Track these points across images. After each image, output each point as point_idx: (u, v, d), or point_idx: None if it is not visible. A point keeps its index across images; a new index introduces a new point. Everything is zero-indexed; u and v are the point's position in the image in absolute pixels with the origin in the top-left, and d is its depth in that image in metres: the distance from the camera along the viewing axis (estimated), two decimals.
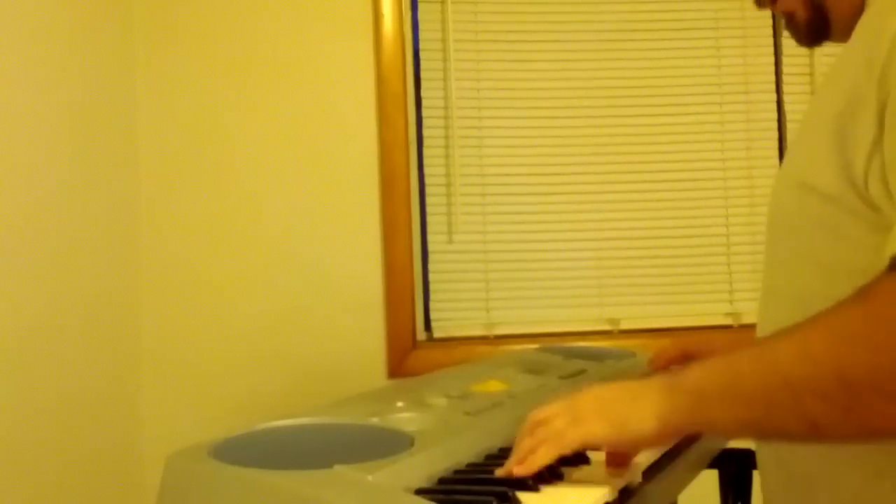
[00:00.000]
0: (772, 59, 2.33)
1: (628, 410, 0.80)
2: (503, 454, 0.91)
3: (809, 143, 0.86)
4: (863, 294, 0.70)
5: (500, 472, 0.81)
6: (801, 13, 0.95)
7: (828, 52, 2.26)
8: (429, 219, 2.26)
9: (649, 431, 0.79)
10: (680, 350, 1.25)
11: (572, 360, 1.43)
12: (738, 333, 2.24)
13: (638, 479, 0.87)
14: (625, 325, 2.27)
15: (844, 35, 0.93)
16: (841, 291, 0.75)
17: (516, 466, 0.80)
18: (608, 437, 0.80)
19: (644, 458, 0.90)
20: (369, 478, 0.74)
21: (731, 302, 2.29)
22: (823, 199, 0.81)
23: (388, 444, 0.84)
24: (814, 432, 0.72)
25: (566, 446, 0.80)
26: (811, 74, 2.30)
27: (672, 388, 0.79)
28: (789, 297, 0.88)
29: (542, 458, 0.80)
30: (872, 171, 0.76)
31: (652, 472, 0.92)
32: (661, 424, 0.78)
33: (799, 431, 0.73)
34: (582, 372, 1.33)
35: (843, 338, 0.69)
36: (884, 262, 0.70)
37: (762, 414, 0.73)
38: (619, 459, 0.86)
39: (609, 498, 0.80)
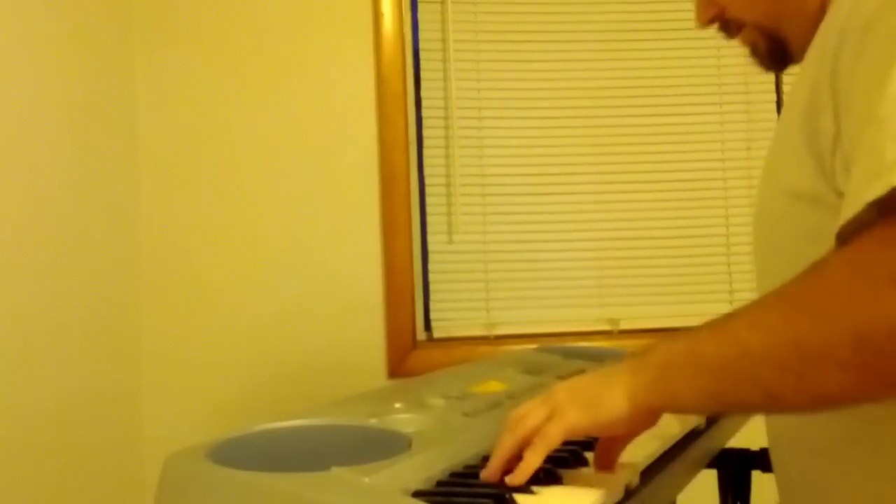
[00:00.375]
0: None
1: (600, 394, 0.81)
2: None
3: (786, 147, 0.87)
4: (816, 266, 0.71)
5: (483, 475, 0.81)
6: (762, 45, 0.98)
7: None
8: (429, 219, 2.26)
9: (622, 411, 0.80)
10: None
11: (571, 361, 1.43)
12: None
13: (636, 479, 0.87)
14: (624, 326, 2.27)
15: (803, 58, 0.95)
16: None
17: (508, 477, 0.80)
18: (585, 422, 0.81)
19: (642, 458, 0.91)
20: (366, 480, 0.73)
21: (731, 302, 2.29)
22: (807, 203, 0.82)
23: (386, 445, 0.84)
24: (770, 402, 0.74)
25: (550, 443, 0.80)
26: None
27: (638, 366, 0.81)
28: None
29: (532, 463, 0.80)
30: (837, 163, 0.77)
31: (650, 472, 0.92)
32: (631, 403, 0.79)
33: (756, 401, 0.75)
34: (581, 372, 1.33)
35: (796, 308, 0.70)
36: (834, 234, 0.72)
37: (721, 384, 0.75)
38: (605, 462, 0.86)
39: (614, 499, 0.80)
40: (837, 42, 0.77)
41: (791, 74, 2.48)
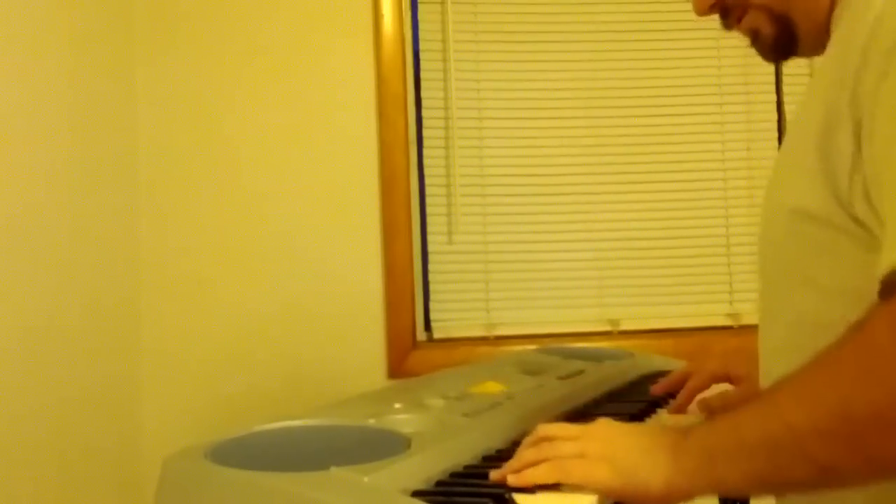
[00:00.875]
0: None
1: (638, 466, 0.78)
2: (501, 456, 0.92)
3: (795, 164, 0.84)
4: (857, 326, 0.68)
5: (494, 476, 0.81)
6: (767, 29, 0.93)
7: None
8: (429, 219, 2.26)
9: (655, 491, 0.77)
10: (710, 380, 1.24)
11: (571, 361, 1.43)
12: (739, 337, 2.24)
13: None
14: (625, 326, 2.26)
15: (810, 49, 0.93)
16: (839, 314, 0.74)
17: (511, 475, 0.80)
18: (612, 485, 0.78)
19: None
20: (365, 480, 0.74)
21: (731, 302, 2.29)
22: (817, 221, 0.80)
23: (385, 445, 0.85)
24: (823, 476, 0.70)
25: (567, 478, 0.79)
26: (811, 75, 2.29)
27: (679, 450, 0.77)
28: (787, 322, 0.87)
29: (541, 477, 0.79)
30: (854, 188, 0.75)
31: None
32: (667, 487, 0.76)
33: (809, 478, 0.71)
34: (580, 372, 1.33)
35: (840, 373, 0.67)
36: (875, 287, 0.69)
37: (768, 465, 0.71)
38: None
39: (606, 500, 0.80)
40: (859, 62, 0.74)
41: (792, 75, 2.48)
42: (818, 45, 0.89)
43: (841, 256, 0.78)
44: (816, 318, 0.81)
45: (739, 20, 0.96)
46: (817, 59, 0.92)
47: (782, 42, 0.93)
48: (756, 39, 0.96)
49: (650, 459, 0.78)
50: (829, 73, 0.80)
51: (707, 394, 1.22)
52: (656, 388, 1.26)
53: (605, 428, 0.84)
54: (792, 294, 0.85)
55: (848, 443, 0.66)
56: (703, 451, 0.76)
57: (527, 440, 0.85)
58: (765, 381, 0.91)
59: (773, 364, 0.89)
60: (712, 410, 1.17)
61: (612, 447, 0.80)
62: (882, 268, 0.68)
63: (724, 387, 1.23)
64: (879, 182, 0.71)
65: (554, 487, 0.81)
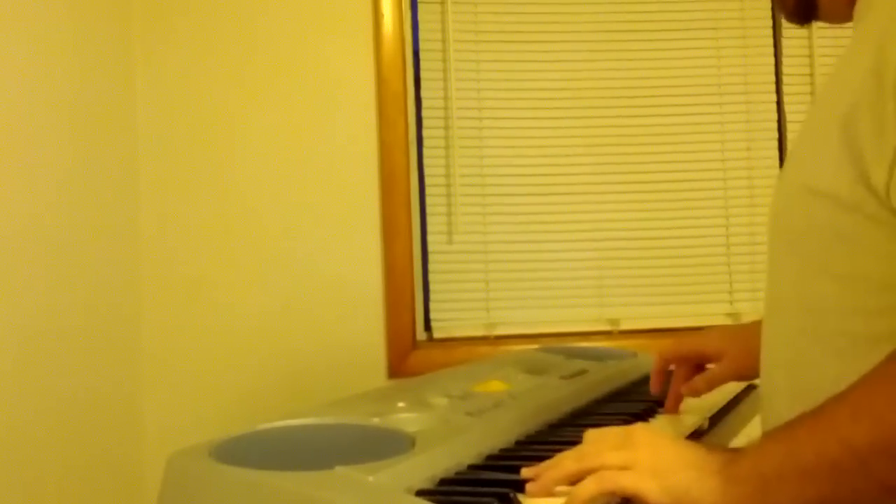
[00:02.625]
0: (772, 60, 2.33)
1: (689, 485, 0.75)
2: (504, 455, 0.92)
3: (816, 146, 0.82)
4: None
5: (531, 489, 0.79)
6: None
7: (828, 52, 2.27)
8: (429, 219, 2.26)
9: None
10: (678, 356, 1.21)
11: (573, 361, 1.43)
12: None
13: None
14: (625, 326, 2.26)
15: (832, 17, 0.92)
16: (862, 302, 0.73)
17: (530, 485, 0.78)
18: (660, 502, 0.76)
19: None
20: (370, 478, 0.73)
21: (731, 302, 2.29)
22: (838, 206, 0.77)
23: (389, 444, 0.84)
24: (888, 496, 0.68)
25: (613, 490, 0.77)
26: (811, 75, 2.30)
27: (730, 476, 0.74)
28: (799, 308, 0.84)
29: (585, 494, 0.76)
30: (894, 182, 0.72)
31: None
32: None
33: (872, 499, 0.69)
34: (583, 372, 1.33)
35: None
36: None
37: (830, 487, 0.69)
38: None
39: (616, 500, 0.80)
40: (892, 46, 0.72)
41: (792, 75, 2.48)
42: (841, 13, 0.89)
43: (862, 243, 0.76)
44: (830, 305, 0.79)
45: None
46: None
47: (802, 5, 0.94)
48: (780, 1, 0.97)
49: (701, 482, 0.75)
50: (861, 57, 0.78)
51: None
52: (653, 388, 1.23)
53: (649, 438, 0.81)
54: (805, 278, 0.82)
55: None
56: (756, 478, 0.73)
57: (578, 447, 0.82)
58: (770, 366, 0.90)
59: (781, 348, 0.87)
60: (699, 392, 1.16)
61: (661, 462, 0.78)
62: None
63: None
64: None
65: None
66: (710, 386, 1.17)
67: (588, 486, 0.76)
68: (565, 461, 0.80)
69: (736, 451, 0.77)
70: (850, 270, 0.76)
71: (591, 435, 0.84)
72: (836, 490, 0.69)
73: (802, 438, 0.71)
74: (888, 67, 0.72)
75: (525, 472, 0.81)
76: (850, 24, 0.91)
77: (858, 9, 0.88)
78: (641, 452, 0.78)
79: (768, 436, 0.76)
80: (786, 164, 0.91)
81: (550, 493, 0.78)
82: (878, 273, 0.74)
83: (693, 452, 0.79)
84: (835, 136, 0.77)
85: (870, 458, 0.66)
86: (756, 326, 0.99)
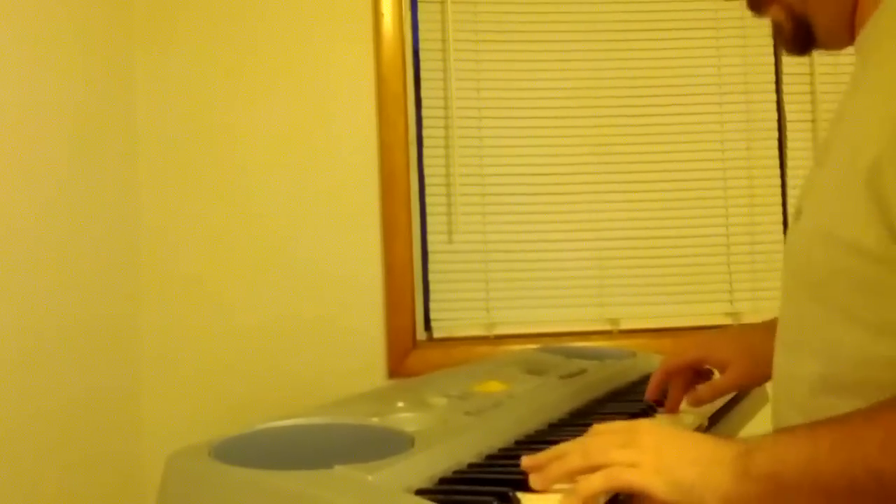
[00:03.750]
0: (772, 59, 2.33)
1: (696, 482, 0.74)
2: (504, 454, 0.92)
3: (839, 195, 0.80)
4: None
5: (534, 484, 0.79)
6: (787, 25, 0.94)
7: (828, 52, 2.26)
8: (429, 219, 2.26)
9: None
10: (682, 368, 1.20)
11: (573, 360, 1.43)
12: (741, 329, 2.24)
13: None
14: (625, 325, 2.26)
15: (831, 45, 0.93)
16: (883, 351, 0.73)
17: (533, 478, 0.78)
18: (663, 498, 0.75)
19: None
20: (369, 478, 0.73)
21: (731, 302, 2.29)
22: (864, 256, 0.76)
23: (389, 444, 0.84)
24: None
25: (619, 487, 0.76)
26: (811, 74, 2.30)
27: (740, 471, 0.73)
28: (821, 354, 0.83)
29: (590, 490, 0.76)
30: None
31: None
32: None
33: None
34: (582, 372, 1.33)
35: None
36: None
37: None
38: None
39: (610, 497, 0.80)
40: None
41: (792, 74, 2.48)
42: (839, 41, 0.90)
43: (885, 295, 0.75)
44: (857, 354, 0.78)
45: (766, 10, 0.96)
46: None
47: (800, 38, 0.94)
48: (778, 32, 0.97)
49: (708, 476, 0.74)
50: (878, 101, 0.77)
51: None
52: (649, 395, 1.21)
53: (656, 433, 0.80)
54: (829, 325, 0.81)
55: None
56: (771, 480, 0.72)
57: (580, 440, 0.82)
58: (785, 407, 0.89)
59: (800, 394, 0.86)
60: (702, 401, 1.15)
61: (667, 458, 0.76)
62: None
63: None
64: None
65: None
66: (714, 396, 1.17)
67: (594, 482, 0.76)
68: (571, 456, 0.79)
69: (749, 443, 0.76)
70: (879, 320, 0.75)
71: (597, 428, 0.83)
72: None
73: (826, 452, 0.70)
74: None
75: (525, 463, 0.80)
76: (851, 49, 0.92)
77: (862, 38, 0.88)
78: (647, 448, 0.77)
79: (788, 436, 0.75)
80: (803, 209, 0.90)
81: (552, 486, 0.77)
82: None
83: (701, 445, 0.78)
84: (860, 187, 0.76)
85: (893, 489, 0.66)
86: (762, 331, 0.98)
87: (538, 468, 0.80)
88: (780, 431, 0.80)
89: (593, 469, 0.77)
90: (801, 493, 0.70)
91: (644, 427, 0.81)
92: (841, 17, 0.89)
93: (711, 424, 1.18)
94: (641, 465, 0.76)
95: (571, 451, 0.80)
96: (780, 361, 0.92)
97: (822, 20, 0.92)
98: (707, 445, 0.77)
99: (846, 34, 0.89)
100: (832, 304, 0.81)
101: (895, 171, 0.73)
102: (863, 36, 0.88)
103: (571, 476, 0.78)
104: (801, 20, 0.93)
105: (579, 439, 0.82)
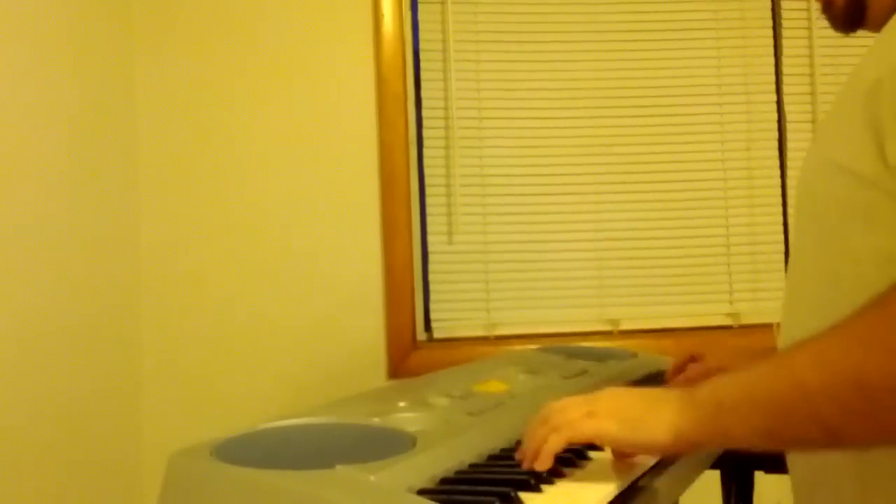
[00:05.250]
0: (772, 60, 2.33)
1: (644, 417, 0.80)
2: (505, 454, 0.92)
3: (840, 123, 0.84)
4: (881, 299, 0.69)
5: (519, 456, 0.84)
6: (838, 2, 0.94)
7: (828, 52, 2.27)
8: (429, 219, 2.26)
9: (662, 440, 0.79)
10: (705, 369, 1.23)
11: (573, 361, 1.43)
12: (739, 336, 2.24)
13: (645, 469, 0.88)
14: (625, 326, 2.27)
15: (879, 25, 0.92)
16: (872, 279, 0.74)
17: (534, 463, 0.81)
18: (620, 437, 0.81)
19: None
20: (371, 478, 0.73)
21: (730, 302, 2.29)
22: (858, 181, 0.79)
23: (390, 444, 0.84)
24: (832, 439, 0.72)
25: (577, 436, 0.81)
26: (811, 75, 2.30)
27: (688, 401, 0.79)
28: (818, 283, 0.87)
29: (554, 445, 0.81)
30: None
31: (655, 469, 0.92)
32: (674, 436, 0.78)
33: (817, 439, 0.73)
34: (583, 372, 1.33)
35: (859, 343, 0.69)
36: None
37: (779, 423, 0.73)
38: (622, 456, 0.87)
39: (611, 497, 0.80)
40: None
41: (792, 75, 2.48)
42: (887, 20, 0.89)
43: (876, 220, 0.78)
44: (849, 283, 0.81)
45: None
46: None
47: (851, 14, 0.95)
48: (827, 8, 0.97)
49: (656, 409, 0.80)
50: (888, 40, 0.80)
51: None
52: (670, 378, 1.27)
53: (610, 390, 0.86)
54: (825, 253, 0.84)
55: (861, 411, 0.68)
56: (711, 401, 0.77)
57: (534, 418, 0.86)
58: (786, 340, 0.91)
59: (802, 320, 0.89)
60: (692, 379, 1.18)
61: (618, 402, 0.82)
62: None
63: None
64: None
65: (560, 475, 0.81)
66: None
67: (553, 440, 0.81)
68: (535, 430, 0.83)
69: (699, 384, 0.81)
70: (866, 246, 0.78)
71: (553, 404, 0.87)
72: (783, 424, 0.73)
73: (762, 375, 0.75)
74: None
75: (518, 455, 0.85)
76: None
77: None
78: (600, 402, 0.83)
79: (731, 372, 0.80)
80: (814, 139, 0.93)
81: (540, 463, 0.81)
82: (889, 249, 0.75)
83: (651, 391, 0.84)
84: (858, 112, 0.79)
85: (821, 402, 0.70)
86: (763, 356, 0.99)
87: (525, 458, 0.83)
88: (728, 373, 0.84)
89: (555, 431, 0.82)
90: (738, 413, 0.75)
91: (600, 392, 0.86)
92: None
93: None
94: (596, 414, 0.82)
95: (535, 425, 0.84)
96: (788, 289, 0.94)
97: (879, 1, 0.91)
98: (656, 391, 0.83)
99: (891, 16, 0.88)
100: (829, 232, 0.84)
101: (889, 94, 0.76)
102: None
103: (541, 444, 0.83)
104: None
105: (540, 412, 0.87)
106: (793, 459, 1.00)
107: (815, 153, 0.90)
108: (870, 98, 0.78)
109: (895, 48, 0.78)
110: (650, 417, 0.79)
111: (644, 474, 0.88)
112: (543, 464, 0.80)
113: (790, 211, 2.29)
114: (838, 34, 0.99)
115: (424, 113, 2.28)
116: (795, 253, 0.93)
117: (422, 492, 0.76)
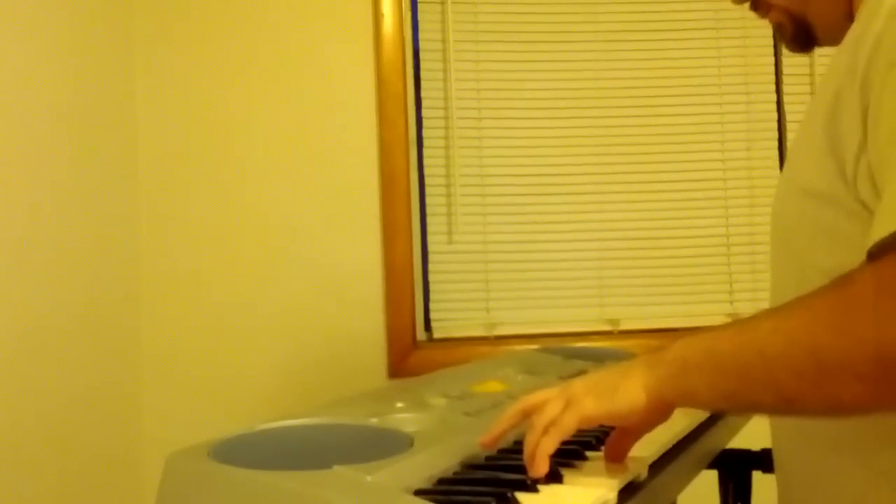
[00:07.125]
0: (772, 59, 2.33)
1: (617, 385, 0.83)
2: (502, 455, 0.92)
3: (806, 147, 0.88)
4: (842, 280, 0.73)
5: (483, 440, 0.87)
6: (787, 26, 1.00)
7: (828, 52, 2.27)
8: (429, 219, 2.26)
9: (638, 402, 0.82)
10: None
11: (572, 361, 1.43)
12: None
13: (645, 472, 0.88)
14: (625, 326, 2.27)
15: (832, 42, 0.96)
16: None
17: (532, 470, 0.81)
18: (601, 411, 0.83)
19: (648, 453, 0.91)
20: (368, 478, 0.73)
21: (731, 302, 2.30)
22: (822, 202, 0.83)
23: (388, 444, 0.84)
24: (784, 405, 0.77)
25: (565, 432, 0.82)
26: (811, 75, 2.30)
27: (657, 360, 0.83)
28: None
29: (547, 448, 0.82)
30: (861, 172, 0.78)
31: (655, 468, 0.92)
32: (647, 395, 0.81)
33: (771, 404, 0.78)
34: (582, 373, 1.33)
35: (818, 319, 0.72)
36: (865, 249, 0.73)
37: (738, 385, 0.77)
38: (616, 454, 0.88)
39: (608, 497, 0.80)
40: (871, 52, 0.78)
41: (792, 75, 2.48)
42: (839, 37, 0.93)
43: (840, 238, 0.81)
44: None
45: (768, 13, 1.02)
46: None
47: (801, 38, 1.00)
48: (780, 33, 1.03)
49: (628, 376, 0.83)
50: (842, 61, 0.84)
51: None
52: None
53: (583, 377, 0.89)
54: (798, 277, 0.87)
55: (814, 382, 0.71)
56: (677, 361, 0.81)
57: (508, 411, 0.88)
58: None
59: None
60: None
61: (591, 383, 0.85)
62: (872, 236, 0.72)
63: None
64: (881, 164, 0.75)
65: (556, 481, 0.81)
66: None
67: (544, 443, 0.82)
68: (528, 440, 0.84)
69: (664, 345, 0.84)
70: (834, 265, 0.79)
71: (531, 398, 0.89)
72: (743, 388, 0.77)
73: (726, 339, 0.80)
74: (859, 64, 0.78)
75: (483, 439, 0.87)
76: None
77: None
78: (575, 388, 0.85)
79: (696, 332, 0.83)
80: (785, 165, 0.97)
81: (537, 468, 0.81)
82: (853, 267, 0.76)
83: (621, 365, 0.86)
84: (821, 135, 0.83)
85: (778, 370, 0.73)
86: None
87: (530, 462, 0.83)
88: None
89: (532, 411, 0.86)
90: (702, 372, 0.79)
91: (574, 380, 0.89)
92: (837, 16, 0.93)
93: (713, 423, 1.18)
94: (573, 400, 0.84)
95: (529, 432, 0.85)
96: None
97: (819, 20, 0.97)
98: (626, 363, 0.86)
99: (844, 31, 0.92)
100: (801, 256, 0.88)
101: (845, 114, 0.79)
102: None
103: (513, 423, 0.87)
104: (801, 21, 0.98)
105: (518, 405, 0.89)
106: (780, 459, 1.00)
107: (785, 179, 0.94)
108: (829, 115, 0.82)
109: (847, 73, 0.80)
110: (623, 384, 0.83)
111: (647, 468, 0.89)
112: (540, 469, 0.81)
113: None
114: None
115: (424, 113, 2.28)
116: (774, 279, 0.97)
117: (419, 492, 0.76)
